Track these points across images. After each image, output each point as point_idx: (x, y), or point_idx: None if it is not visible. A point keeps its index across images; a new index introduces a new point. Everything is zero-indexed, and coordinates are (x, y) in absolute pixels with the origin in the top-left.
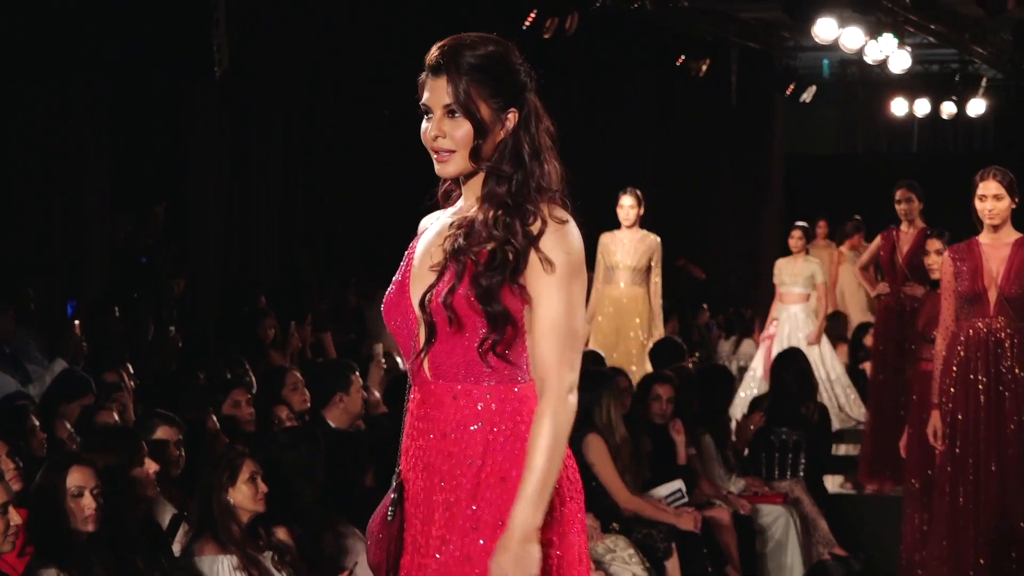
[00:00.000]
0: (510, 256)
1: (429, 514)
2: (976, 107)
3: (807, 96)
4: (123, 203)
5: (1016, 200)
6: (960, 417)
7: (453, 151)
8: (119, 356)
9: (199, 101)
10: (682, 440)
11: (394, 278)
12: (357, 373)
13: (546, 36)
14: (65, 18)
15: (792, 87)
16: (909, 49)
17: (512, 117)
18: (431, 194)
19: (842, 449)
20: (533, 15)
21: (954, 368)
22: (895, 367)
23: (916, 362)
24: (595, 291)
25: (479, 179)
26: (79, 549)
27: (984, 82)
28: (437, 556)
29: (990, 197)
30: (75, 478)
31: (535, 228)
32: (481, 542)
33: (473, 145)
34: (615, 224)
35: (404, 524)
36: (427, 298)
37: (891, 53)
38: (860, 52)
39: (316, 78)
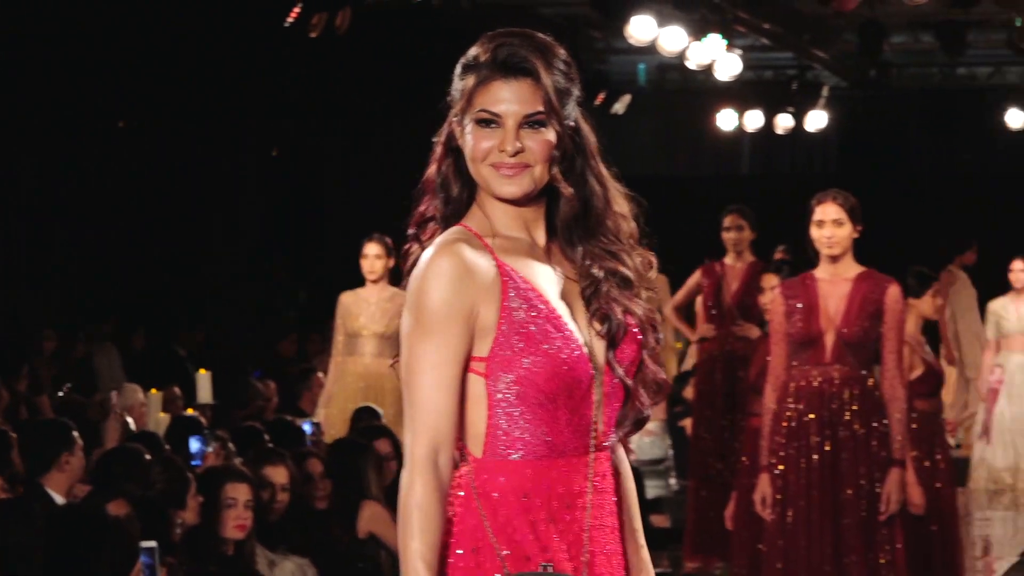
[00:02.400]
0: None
1: None
2: (816, 120)
3: (620, 107)
4: None
5: (859, 228)
6: (792, 482)
7: (530, 166)
8: None
9: None
10: None
11: (551, 335)
12: (77, 433)
13: (313, 35)
14: None
15: (602, 96)
16: (740, 53)
17: (580, 127)
18: (418, 220)
19: (660, 520)
20: (297, 9)
21: (784, 424)
22: (720, 424)
23: (747, 417)
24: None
25: (533, 208)
26: None
27: (826, 91)
28: None
29: (829, 223)
30: None
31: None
32: None
33: (553, 158)
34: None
35: None
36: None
37: (718, 57)
38: (682, 56)
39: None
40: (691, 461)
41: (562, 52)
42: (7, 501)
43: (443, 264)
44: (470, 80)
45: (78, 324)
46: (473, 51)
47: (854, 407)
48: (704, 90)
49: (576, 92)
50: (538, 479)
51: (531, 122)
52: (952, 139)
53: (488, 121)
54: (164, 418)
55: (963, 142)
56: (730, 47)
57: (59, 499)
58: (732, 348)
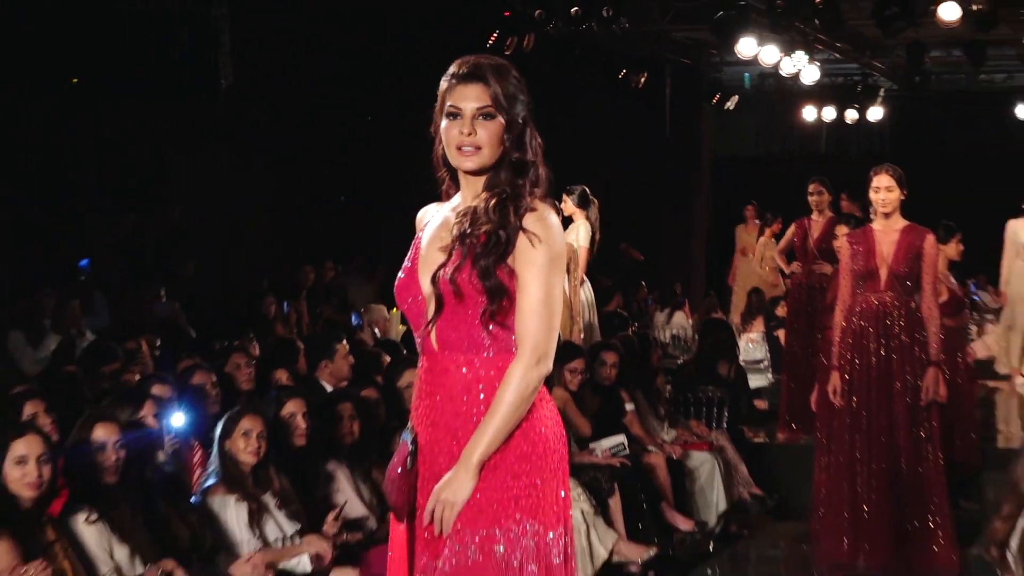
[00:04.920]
0: (503, 238)
1: (434, 460)
2: (875, 114)
3: (731, 105)
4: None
5: (904, 192)
6: (856, 377)
7: (479, 148)
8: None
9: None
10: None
11: (404, 264)
12: (344, 342)
13: (507, 53)
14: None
15: (717, 97)
16: (818, 64)
17: (523, 123)
18: (433, 184)
19: (760, 404)
20: (495, 35)
21: (850, 336)
22: (806, 334)
23: (824, 330)
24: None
25: (482, 178)
26: (107, 494)
27: (882, 92)
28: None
29: (883, 189)
30: (99, 433)
31: (526, 218)
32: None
33: (503, 142)
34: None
35: (418, 470)
36: (436, 276)
37: (803, 67)
38: (776, 66)
39: (306, 93)
40: (784, 362)
41: (514, 71)
42: (291, 387)
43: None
44: (443, 87)
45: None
46: (450, 68)
47: (901, 323)
48: (792, 92)
49: (522, 95)
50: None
51: (483, 114)
52: (976, 128)
53: (453, 114)
54: (402, 329)
55: (984, 130)
56: (811, 60)
57: (328, 388)
58: (814, 280)
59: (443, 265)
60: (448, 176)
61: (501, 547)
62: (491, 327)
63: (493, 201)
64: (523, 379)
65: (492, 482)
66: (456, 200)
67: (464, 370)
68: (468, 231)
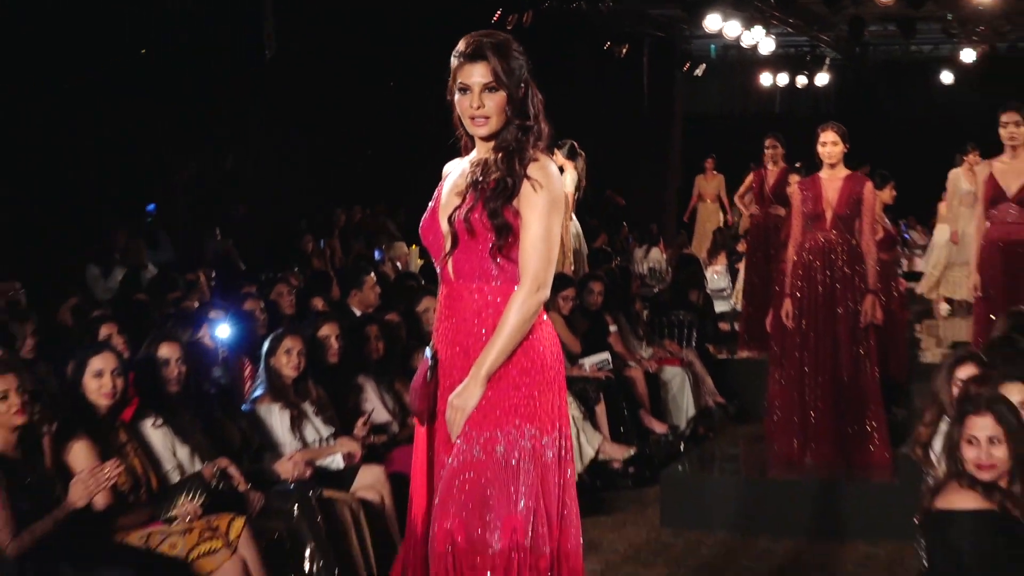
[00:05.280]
0: (509, 184)
1: (451, 373)
2: (821, 79)
3: (699, 72)
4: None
5: (847, 146)
6: (805, 303)
7: (488, 117)
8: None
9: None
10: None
11: (428, 206)
12: (371, 274)
13: (509, 28)
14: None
15: (687, 65)
16: (774, 37)
17: (523, 88)
18: (455, 139)
19: (724, 326)
20: (499, 12)
21: (800, 268)
22: (763, 267)
23: (778, 263)
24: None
25: (492, 139)
26: (170, 402)
27: (827, 61)
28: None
29: (829, 143)
30: (164, 351)
31: (529, 167)
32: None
33: (507, 110)
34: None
35: (438, 381)
36: (452, 217)
37: (760, 40)
38: (738, 39)
39: (337, 63)
40: (744, 290)
41: (514, 44)
42: (326, 313)
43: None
44: (454, 64)
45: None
46: (457, 46)
47: (844, 257)
48: (751, 60)
49: (523, 67)
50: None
51: (488, 88)
52: (907, 91)
53: (463, 89)
54: (420, 263)
55: (914, 93)
56: (768, 33)
57: (357, 313)
58: (770, 221)
59: (458, 207)
60: (465, 135)
61: (501, 447)
62: (498, 259)
63: (501, 154)
64: (524, 304)
65: (497, 392)
66: (473, 155)
67: (475, 296)
68: (480, 179)
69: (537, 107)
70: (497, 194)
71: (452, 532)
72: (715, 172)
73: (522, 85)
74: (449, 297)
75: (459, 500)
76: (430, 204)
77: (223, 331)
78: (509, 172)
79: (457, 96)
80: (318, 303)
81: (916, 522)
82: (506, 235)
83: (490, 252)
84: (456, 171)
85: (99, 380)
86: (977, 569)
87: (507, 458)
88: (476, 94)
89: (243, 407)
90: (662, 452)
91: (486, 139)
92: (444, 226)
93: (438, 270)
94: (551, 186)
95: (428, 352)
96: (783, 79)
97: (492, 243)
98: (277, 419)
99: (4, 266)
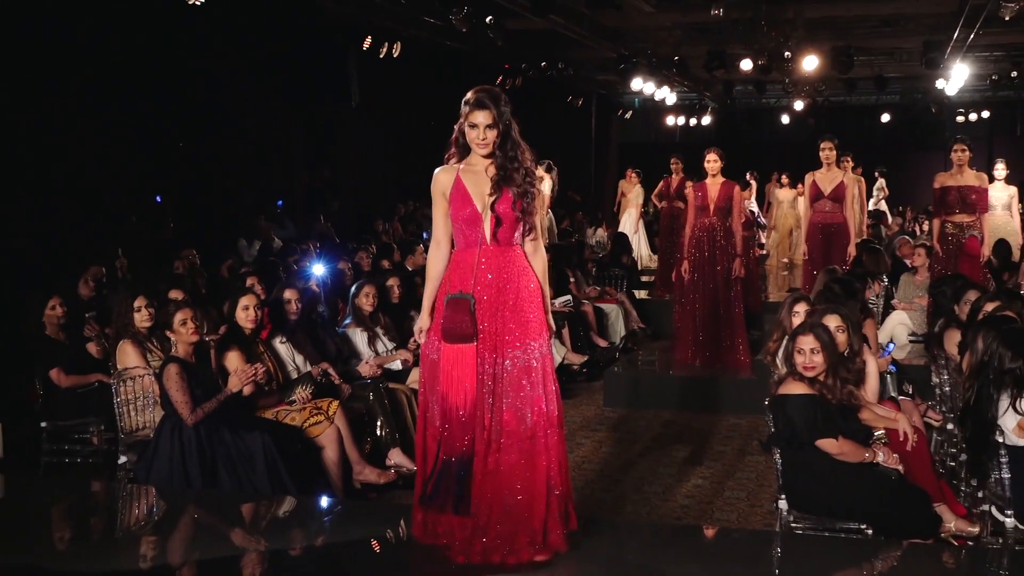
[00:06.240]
0: (531, 191)
1: (498, 310)
2: (706, 120)
3: (628, 115)
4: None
5: (723, 162)
6: (696, 263)
7: (488, 144)
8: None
9: (345, 118)
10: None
11: (451, 195)
12: (420, 245)
13: (507, 87)
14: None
15: (621, 111)
16: (676, 92)
17: (509, 124)
18: (448, 155)
19: (647, 277)
20: (501, 77)
21: (693, 241)
22: (669, 240)
23: (679, 238)
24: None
25: (489, 156)
26: (291, 327)
27: (709, 108)
28: (512, 326)
29: (712, 160)
30: (287, 294)
31: (535, 180)
32: (529, 316)
33: (499, 141)
34: None
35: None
36: (493, 204)
37: (667, 95)
38: (652, 95)
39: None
40: (659, 254)
41: (504, 98)
42: (390, 270)
43: (436, 173)
44: (465, 108)
45: (414, 199)
46: (467, 96)
47: (721, 234)
48: (661, 108)
49: (509, 112)
50: (459, 257)
51: (488, 126)
52: (760, 127)
53: (472, 126)
54: None
55: (764, 128)
56: (672, 91)
57: (410, 269)
58: (675, 211)
59: (498, 199)
60: (458, 151)
61: (521, 353)
62: (519, 232)
63: (523, 169)
64: (544, 258)
65: (534, 313)
66: (471, 161)
67: (517, 252)
68: (509, 180)
69: (517, 135)
70: (525, 195)
71: (517, 410)
72: (635, 178)
73: (508, 122)
74: (490, 256)
75: (516, 393)
76: (453, 192)
77: (318, 268)
78: (531, 183)
79: (467, 130)
80: (385, 264)
81: (766, 403)
82: (529, 219)
83: (518, 227)
84: (468, 172)
85: (246, 312)
86: (805, 431)
87: (528, 361)
88: (481, 129)
89: (338, 330)
90: (604, 358)
91: (485, 156)
92: (479, 207)
93: (471, 237)
94: (543, 189)
95: (468, 296)
96: (681, 120)
97: (521, 222)
98: (359, 338)
99: (185, 239)
